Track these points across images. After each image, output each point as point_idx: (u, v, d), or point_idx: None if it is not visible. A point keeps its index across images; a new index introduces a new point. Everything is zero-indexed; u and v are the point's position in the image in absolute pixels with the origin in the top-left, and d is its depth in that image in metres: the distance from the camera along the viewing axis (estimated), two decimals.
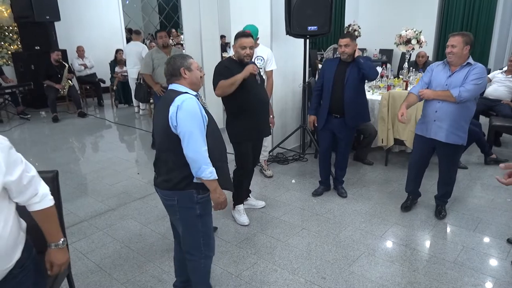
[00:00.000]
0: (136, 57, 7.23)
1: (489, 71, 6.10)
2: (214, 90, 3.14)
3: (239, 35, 3.10)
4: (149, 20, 13.31)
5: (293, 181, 4.41)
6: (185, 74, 2.12)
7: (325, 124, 3.77)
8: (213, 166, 2.06)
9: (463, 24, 8.32)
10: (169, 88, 2.16)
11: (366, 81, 3.79)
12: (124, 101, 8.48)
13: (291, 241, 3.21)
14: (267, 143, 4.58)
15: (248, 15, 4.61)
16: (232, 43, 5.31)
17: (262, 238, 3.26)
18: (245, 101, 3.13)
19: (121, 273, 2.82)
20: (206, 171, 2.01)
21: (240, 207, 3.53)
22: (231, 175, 3.47)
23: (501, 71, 5.50)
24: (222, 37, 9.17)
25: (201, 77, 2.18)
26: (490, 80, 5.49)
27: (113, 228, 3.44)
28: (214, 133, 2.13)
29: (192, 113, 1.98)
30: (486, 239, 3.21)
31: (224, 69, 3.12)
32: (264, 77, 4.16)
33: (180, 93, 2.05)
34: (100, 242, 3.22)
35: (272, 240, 3.22)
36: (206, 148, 2.01)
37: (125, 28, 10.43)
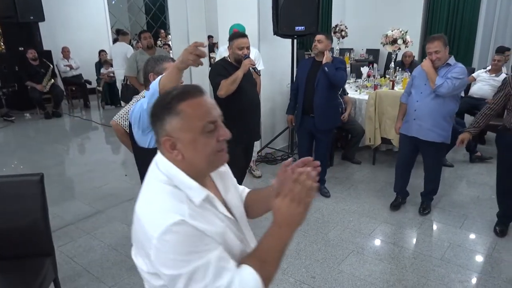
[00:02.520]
0: (122, 58, 7.16)
1: (473, 70, 6.20)
2: (216, 91, 3.08)
3: (236, 36, 3.08)
4: (135, 21, 13.19)
5: None
6: (153, 80, 1.94)
7: (302, 123, 3.80)
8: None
9: (447, 25, 8.44)
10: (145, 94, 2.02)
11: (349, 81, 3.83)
12: (111, 102, 8.40)
13: None
14: (256, 143, 4.58)
15: (236, 15, 4.60)
16: (219, 43, 5.31)
17: None
18: (238, 104, 3.10)
19: (108, 276, 2.78)
20: (157, 86, 1.75)
21: None
22: None
23: (485, 70, 5.59)
24: (210, 37, 9.14)
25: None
26: (474, 79, 5.58)
27: (101, 231, 3.40)
28: None
29: None
30: (472, 236, 3.26)
31: (222, 69, 3.10)
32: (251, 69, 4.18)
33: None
34: (87, 246, 3.17)
35: None
36: None
37: (112, 29, 10.33)
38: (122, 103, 7.70)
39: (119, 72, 7.24)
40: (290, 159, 1.16)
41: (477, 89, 5.49)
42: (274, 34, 4.46)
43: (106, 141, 6.46)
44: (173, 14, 6.02)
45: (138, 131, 1.86)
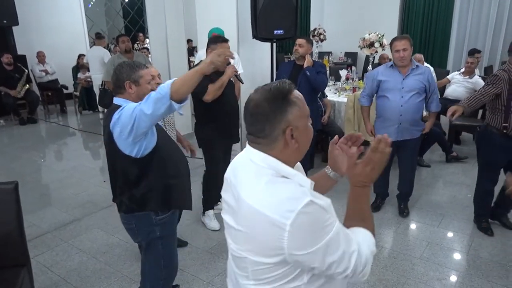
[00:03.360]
0: (99, 62, 7.05)
1: (448, 73, 6.36)
2: (200, 95, 3.04)
3: (220, 40, 3.04)
4: (113, 24, 13.02)
5: None
6: (130, 88, 1.86)
7: None
8: (167, 184, 1.91)
9: (422, 28, 8.64)
10: (113, 102, 1.89)
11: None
12: (89, 108, 8.25)
13: None
14: (236, 146, 4.57)
15: (214, 19, 4.60)
16: (198, 47, 5.30)
17: None
18: (218, 107, 3.09)
19: (87, 285, 2.72)
20: (168, 89, 1.60)
21: (210, 212, 3.50)
22: (201, 180, 3.47)
23: (459, 72, 5.74)
24: (189, 41, 9.10)
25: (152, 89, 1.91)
26: (449, 81, 5.72)
27: (79, 239, 3.32)
28: (166, 146, 1.95)
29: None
30: (450, 234, 3.33)
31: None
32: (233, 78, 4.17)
33: (118, 108, 1.78)
34: (65, 254, 3.10)
35: None
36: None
37: (89, 33, 10.16)
38: (100, 108, 7.59)
39: (96, 76, 7.13)
40: (336, 137, 1.30)
41: (451, 91, 5.64)
42: (253, 38, 4.47)
43: (84, 147, 6.34)
44: (151, 18, 5.97)
45: (128, 138, 1.72)
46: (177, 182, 1.99)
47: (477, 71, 5.80)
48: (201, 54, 4.46)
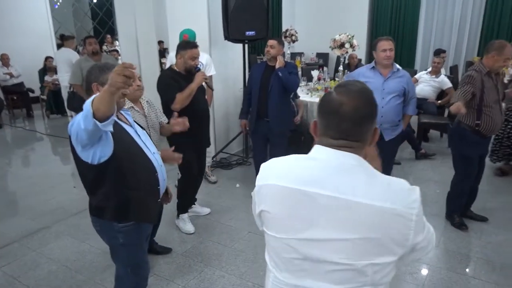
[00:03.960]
0: (67, 64, 6.82)
1: (415, 72, 6.54)
2: (169, 104, 3.02)
3: (190, 46, 3.03)
4: (81, 26, 12.70)
5: (238, 185, 4.41)
6: (97, 91, 1.80)
7: (256, 128, 3.83)
8: (124, 195, 1.86)
9: (391, 30, 8.84)
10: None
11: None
12: (57, 111, 8.00)
13: (237, 245, 3.20)
14: (210, 148, 4.54)
15: (185, 20, 4.55)
16: (170, 48, 5.23)
17: (209, 245, 3.22)
18: (189, 112, 3.05)
19: None
20: (89, 107, 1.48)
21: (185, 215, 3.46)
22: (175, 184, 3.42)
23: (426, 72, 5.91)
24: (160, 42, 8.98)
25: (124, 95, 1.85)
26: (417, 81, 5.89)
27: (48, 247, 3.21)
28: (129, 156, 1.85)
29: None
30: None
31: (171, 81, 3.05)
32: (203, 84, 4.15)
33: None
34: (33, 264, 2.99)
35: (219, 246, 3.20)
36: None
37: (55, 34, 9.86)
38: (69, 112, 7.37)
39: (64, 79, 6.90)
40: None
41: (419, 90, 5.79)
42: (225, 39, 4.46)
43: (53, 152, 6.14)
44: (121, 19, 5.87)
45: (77, 146, 1.70)
46: (137, 195, 1.91)
47: (443, 70, 6.00)
48: (172, 55, 4.39)
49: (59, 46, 9.08)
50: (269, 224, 1.14)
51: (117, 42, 8.58)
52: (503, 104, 3.67)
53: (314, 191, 1.04)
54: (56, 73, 7.39)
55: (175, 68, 3.13)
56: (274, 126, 3.71)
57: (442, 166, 4.73)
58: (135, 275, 2.07)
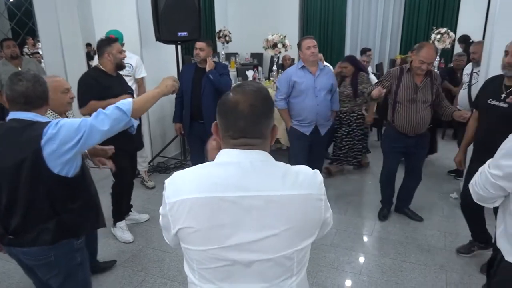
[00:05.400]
0: None
1: None
2: (81, 107, 2.88)
3: (112, 40, 2.99)
4: None
5: None
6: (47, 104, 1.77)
7: (191, 130, 3.80)
8: (95, 202, 1.89)
9: (320, 31, 9.19)
10: (18, 118, 1.65)
11: None
12: None
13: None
14: (146, 153, 4.41)
15: (113, 21, 4.36)
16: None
17: (149, 253, 3.12)
18: None
19: None
20: (130, 106, 1.73)
21: (122, 223, 3.32)
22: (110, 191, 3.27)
23: None
24: (88, 45, 8.53)
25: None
26: None
27: None
28: (83, 163, 1.85)
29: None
30: (356, 220, 3.60)
31: (93, 83, 2.90)
32: (133, 86, 4.01)
33: (45, 124, 1.62)
34: (3, 270, 2.70)
35: (160, 252, 3.11)
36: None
37: None
38: None
39: None
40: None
41: None
42: (156, 40, 4.34)
43: None
44: (42, 20, 5.45)
45: (66, 154, 1.61)
46: (98, 202, 1.95)
47: (369, 68, 6.34)
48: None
49: None
50: (191, 239, 1.10)
51: (39, 44, 7.99)
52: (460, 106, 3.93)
53: (234, 195, 1.03)
54: None
55: (101, 67, 2.99)
56: (210, 127, 3.68)
57: (379, 159, 5.00)
58: None
